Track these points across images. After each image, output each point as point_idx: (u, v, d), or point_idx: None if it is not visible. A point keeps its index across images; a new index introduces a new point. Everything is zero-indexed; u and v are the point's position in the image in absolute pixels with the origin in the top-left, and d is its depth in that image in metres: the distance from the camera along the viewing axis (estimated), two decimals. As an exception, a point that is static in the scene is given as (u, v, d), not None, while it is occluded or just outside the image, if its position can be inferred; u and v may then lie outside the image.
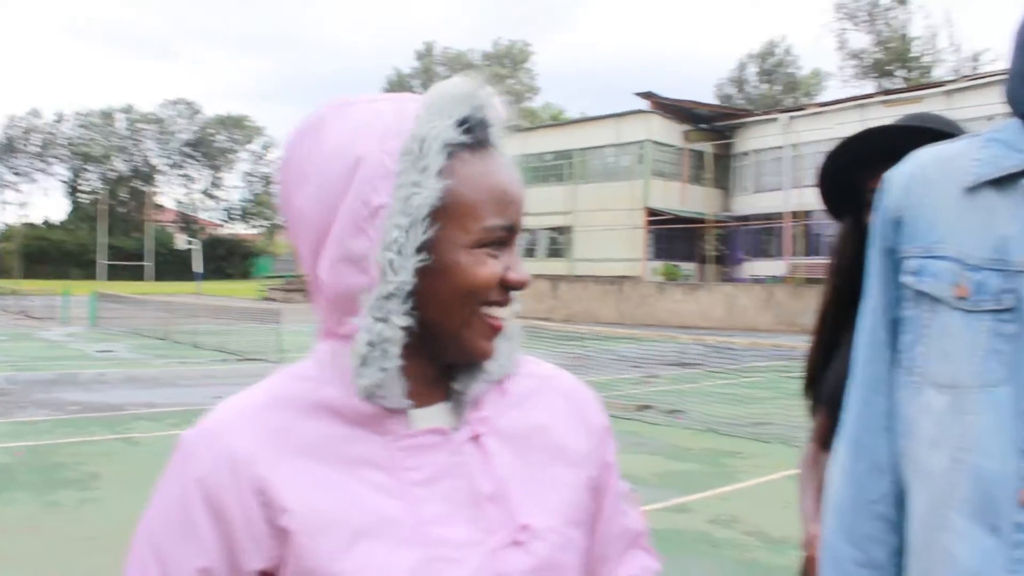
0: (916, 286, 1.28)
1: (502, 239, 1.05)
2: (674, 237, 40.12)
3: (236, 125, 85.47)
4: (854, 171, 2.00)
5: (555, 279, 38.38)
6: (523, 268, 1.07)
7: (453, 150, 1.01)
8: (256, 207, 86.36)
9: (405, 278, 0.98)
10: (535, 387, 1.20)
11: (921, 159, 1.33)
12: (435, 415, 1.08)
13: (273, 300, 49.33)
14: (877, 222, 1.35)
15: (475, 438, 1.09)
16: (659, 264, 38.83)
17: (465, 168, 1.02)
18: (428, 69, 68.60)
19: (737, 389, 14.67)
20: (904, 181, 1.33)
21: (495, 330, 1.06)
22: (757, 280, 36.68)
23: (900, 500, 1.32)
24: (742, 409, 12.28)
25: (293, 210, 1.04)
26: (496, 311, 1.05)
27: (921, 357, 1.28)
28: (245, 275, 73.94)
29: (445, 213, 1.00)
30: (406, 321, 1.00)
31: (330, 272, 1.01)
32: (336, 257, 1.00)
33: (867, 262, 1.39)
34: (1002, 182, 1.23)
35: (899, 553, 1.32)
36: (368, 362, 0.99)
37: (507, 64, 68.18)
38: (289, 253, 79.99)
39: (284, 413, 1.03)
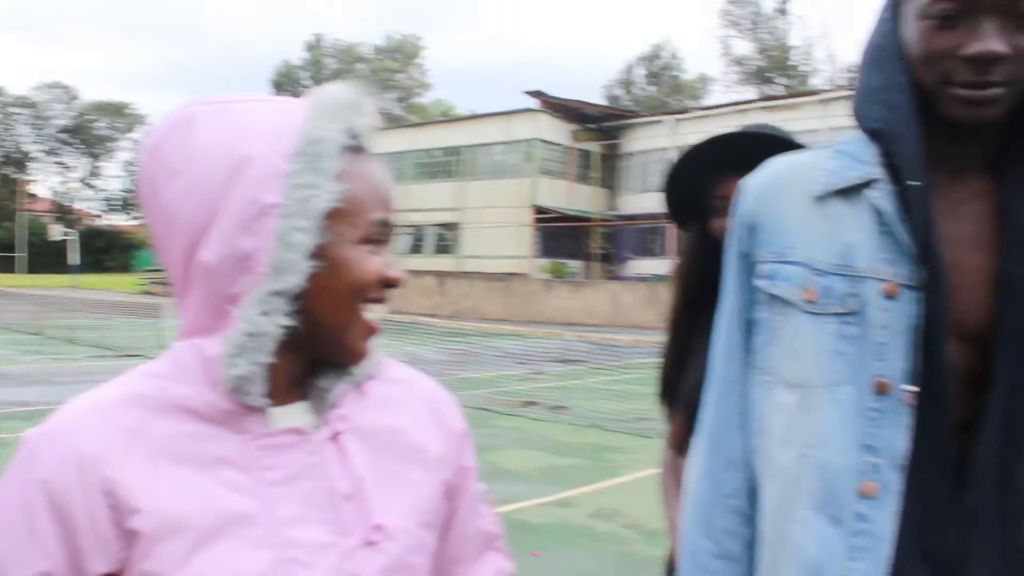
0: (769, 289, 1.36)
1: (382, 236, 1.08)
2: (561, 235, 40.45)
3: (117, 112, 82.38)
4: (698, 179, 2.04)
5: (442, 275, 38.28)
6: (399, 265, 1.10)
7: (343, 153, 1.04)
8: (137, 198, 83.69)
9: (298, 279, 1.00)
10: (394, 391, 1.22)
11: (775, 168, 1.41)
12: (294, 414, 1.09)
13: (153, 294, 47.80)
14: (733, 227, 1.43)
15: (334, 437, 1.10)
16: (546, 262, 39.09)
17: (353, 169, 1.05)
18: (317, 61, 67.56)
19: (620, 385, 14.91)
20: (758, 189, 1.41)
21: (372, 331, 1.09)
22: (641, 278, 37.26)
23: (753, 494, 1.40)
24: (625, 405, 12.49)
25: (159, 205, 1.04)
26: (371, 310, 1.08)
27: (773, 357, 1.36)
28: (125, 268, 71.53)
29: (339, 214, 1.03)
30: (288, 320, 1.01)
31: (212, 269, 1.00)
32: (220, 255, 1.00)
33: (723, 266, 1.46)
34: (848, 192, 1.32)
35: (752, 545, 1.40)
36: (243, 353, 1.00)
37: (398, 59, 67.65)
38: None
39: (137, 411, 1.02)
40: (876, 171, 1.31)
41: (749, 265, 1.41)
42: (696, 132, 37.69)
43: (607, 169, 42.15)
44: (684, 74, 67.41)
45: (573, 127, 41.36)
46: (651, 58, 66.95)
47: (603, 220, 40.37)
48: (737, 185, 1.48)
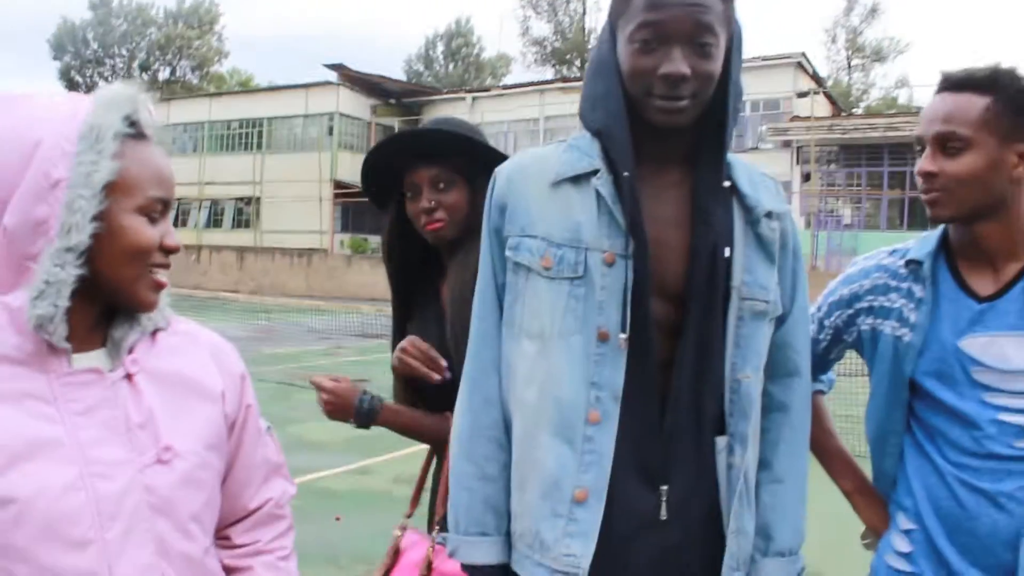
0: (514, 258, 1.68)
1: (159, 210, 1.32)
2: (361, 210, 40.10)
3: None
4: (393, 166, 2.26)
5: (242, 251, 37.41)
6: (175, 236, 1.34)
7: (122, 138, 1.29)
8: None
9: (83, 237, 1.24)
10: (180, 340, 1.46)
11: (520, 158, 1.75)
12: (93, 358, 1.31)
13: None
14: (487, 207, 1.74)
15: (128, 377, 1.33)
16: (347, 237, 38.84)
17: (130, 152, 1.30)
18: (104, 21, 63.69)
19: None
20: (507, 176, 1.73)
21: (159, 286, 1.34)
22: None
23: (507, 426, 1.70)
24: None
25: None
26: (159, 272, 1.33)
27: (518, 314, 1.68)
28: None
29: (116, 187, 1.27)
30: (79, 271, 1.25)
31: (12, 233, 1.23)
32: (18, 221, 1.23)
33: (482, 239, 1.77)
34: (577, 179, 1.66)
35: (507, 467, 1.70)
36: (42, 297, 1.23)
37: (194, 24, 64.76)
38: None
39: None
40: (598, 163, 1.64)
41: (500, 239, 1.71)
42: (495, 110, 38.44)
43: (409, 145, 42.07)
44: (484, 52, 67.95)
45: (374, 102, 41.05)
46: (451, 36, 67.09)
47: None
48: (421, 174, 1.84)
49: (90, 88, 64.30)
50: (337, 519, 6.04)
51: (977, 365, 1.78)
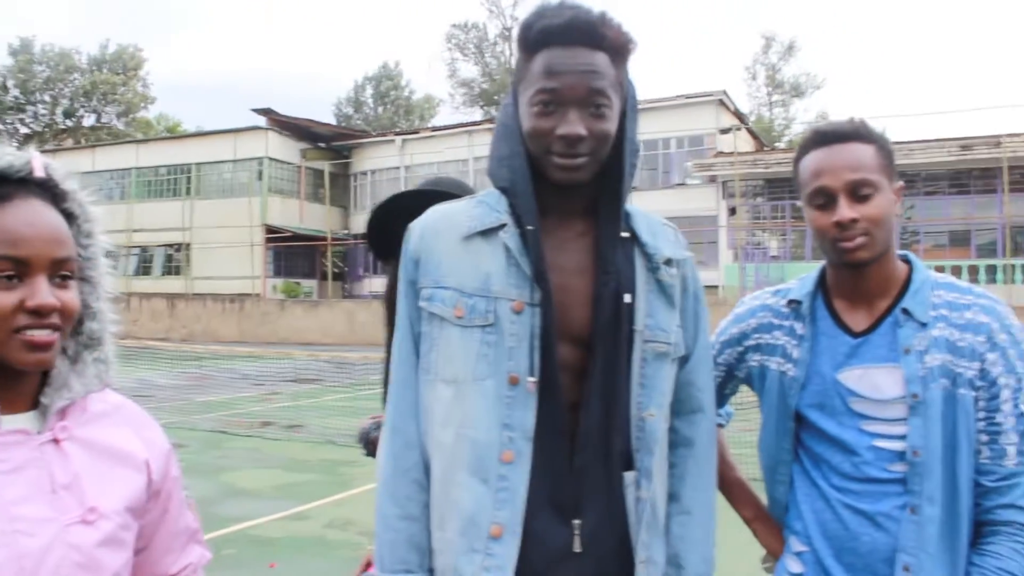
0: (428, 309, 1.77)
1: (13, 272, 1.29)
2: (294, 254, 39.94)
3: None
4: (393, 223, 2.34)
5: (172, 297, 36.85)
6: (42, 295, 1.30)
7: None
8: None
9: None
10: (110, 410, 1.49)
11: (433, 214, 1.84)
12: (22, 420, 1.34)
13: None
14: (403, 261, 1.83)
15: (56, 441, 1.36)
16: (280, 281, 38.52)
17: None
18: (25, 68, 62.57)
19: (353, 402, 15.11)
20: (420, 231, 1.82)
21: (36, 345, 1.31)
22: (376, 296, 37.39)
23: (427, 467, 1.77)
24: (358, 420, 12.55)
25: None
26: (35, 332, 1.30)
27: (434, 361, 1.76)
28: None
29: None
30: None
31: None
32: None
33: (398, 292, 1.85)
34: (486, 233, 1.75)
35: (428, 507, 1.77)
36: None
37: (119, 70, 63.91)
38: None
39: None
40: (506, 218, 1.75)
41: (415, 291, 1.80)
42: (424, 152, 38.61)
43: (338, 188, 42.09)
44: (413, 95, 68.22)
45: (303, 146, 40.99)
46: (380, 79, 67.25)
47: (335, 239, 40.23)
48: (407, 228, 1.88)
49: (12, 135, 63.09)
50: (271, 566, 5.99)
51: (854, 396, 1.92)
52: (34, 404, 1.38)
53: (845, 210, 1.88)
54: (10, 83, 62.45)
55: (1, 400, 1.32)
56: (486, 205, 1.80)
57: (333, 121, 56.72)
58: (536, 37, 1.71)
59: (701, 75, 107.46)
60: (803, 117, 59.13)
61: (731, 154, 31.43)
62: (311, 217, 40.53)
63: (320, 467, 9.66)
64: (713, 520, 1.86)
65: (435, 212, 1.84)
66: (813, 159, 1.95)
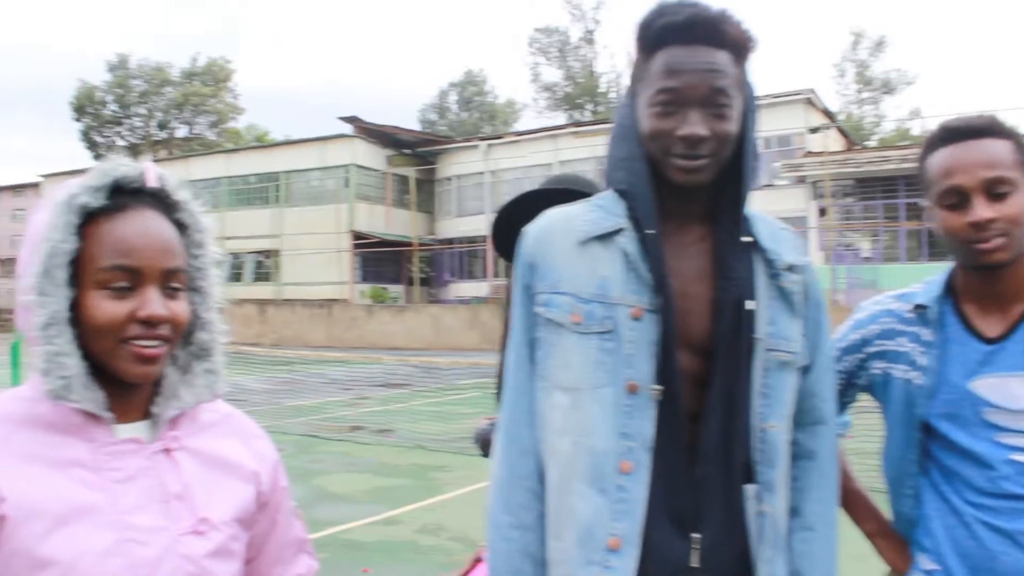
0: (545, 314, 1.73)
1: (124, 281, 1.32)
2: (381, 260, 40.39)
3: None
4: (518, 222, 2.41)
5: (263, 303, 37.60)
6: (153, 305, 1.32)
7: (87, 214, 1.33)
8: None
9: (55, 311, 1.29)
10: (220, 420, 1.52)
11: (548, 218, 1.81)
12: (135, 429, 1.37)
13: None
14: (517, 265, 1.80)
15: (167, 451, 1.38)
16: (367, 287, 39.00)
17: (98, 226, 1.33)
18: (123, 83, 64.66)
19: (442, 406, 15.22)
20: (536, 235, 1.80)
21: (144, 358, 1.33)
22: (462, 301, 37.67)
23: (541, 476, 1.74)
24: (447, 425, 12.76)
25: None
26: (143, 344, 1.32)
27: (550, 368, 1.73)
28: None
29: (80, 263, 1.31)
30: (68, 344, 1.30)
31: (21, 314, 1.32)
32: (22, 303, 1.32)
33: (512, 296, 1.82)
34: (603, 238, 1.72)
35: (543, 516, 1.74)
36: (48, 372, 1.29)
37: (209, 82, 65.63)
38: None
39: (5, 425, 1.31)
40: (623, 222, 1.71)
41: (530, 296, 1.77)
42: (509, 156, 38.72)
43: (424, 194, 42.42)
44: (496, 100, 68.53)
45: (389, 152, 41.45)
46: (464, 84, 67.74)
47: (422, 244, 40.59)
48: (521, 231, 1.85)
49: (110, 147, 65.21)
50: (365, 572, 6.04)
51: (988, 406, 1.82)
52: (145, 414, 1.41)
53: (982, 210, 1.79)
54: (109, 98, 64.62)
55: (115, 409, 1.34)
56: (603, 209, 1.76)
57: (418, 127, 57.30)
58: (655, 36, 1.67)
59: (788, 74, 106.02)
60: (895, 114, 57.89)
61: (820, 154, 30.88)
62: (397, 223, 40.95)
63: (410, 471, 9.72)
64: (835, 536, 1.79)
65: (550, 216, 1.81)
66: (943, 156, 1.86)
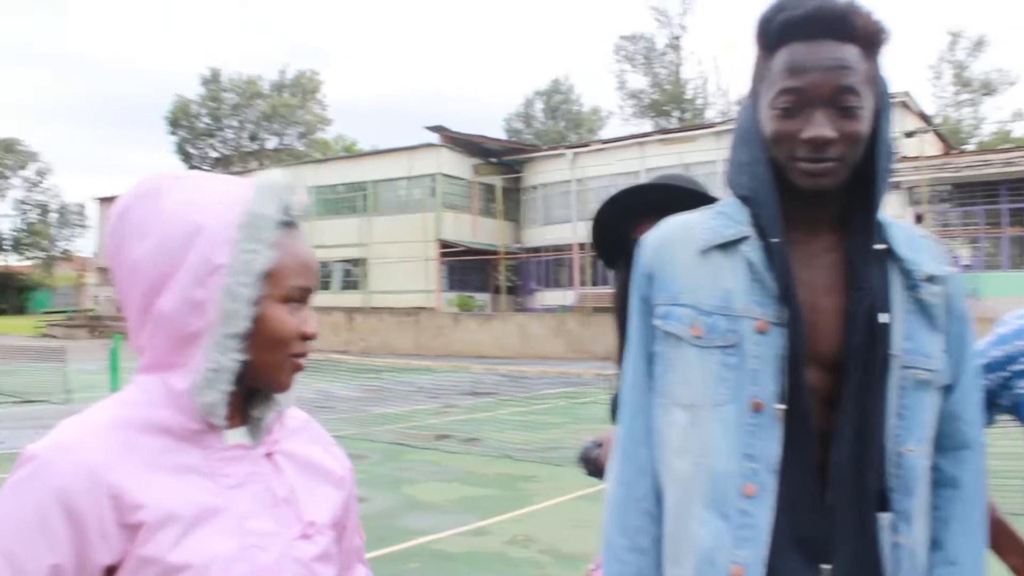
0: (664, 327, 1.64)
1: (301, 298, 1.34)
2: (467, 268, 40.62)
3: (7, 149, 79.14)
4: (620, 223, 2.32)
5: (350, 311, 38.09)
6: (314, 322, 1.36)
7: (278, 227, 1.31)
8: (31, 237, 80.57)
9: (245, 324, 1.27)
10: (302, 426, 1.52)
11: (667, 226, 1.71)
12: (239, 435, 1.36)
13: (53, 337, 46.42)
14: (635, 276, 1.71)
15: (269, 455, 1.38)
16: (453, 295, 39.23)
17: (283, 240, 1.32)
18: (216, 96, 66.59)
19: (529, 416, 15.18)
20: (654, 244, 1.70)
21: (298, 369, 1.37)
22: (548, 309, 37.64)
23: (659, 497, 1.65)
24: (534, 435, 12.72)
25: (126, 260, 1.30)
26: (302, 359, 1.36)
27: (669, 383, 1.63)
28: (20, 310, 69.21)
29: (269, 275, 1.30)
30: (241, 356, 1.28)
31: (169, 314, 1.26)
32: (177, 303, 1.25)
33: (630, 309, 1.73)
34: (726, 247, 1.61)
35: (659, 540, 1.65)
36: (210, 385, 1.26)
37: (297, 94, 67.09)
38: (69, 287, 75.22)
39: (127, 431, 1.26)
40: (747, 229, 1.60)
41: (648, 307, 1.68)
42: (595, 164, 38.64)
43: (510, 202, 42.55)
44: (582, 108, 68.49)
45: (475, 161, 41.68)
46: (549, 92, 67.87)
47: (508, 253, 40.69)
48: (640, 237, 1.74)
49: (203, 159, 67.15)
50: (456, 584, 5.96)
51: None
52: (243, 419, 1.39)
53: None
54: (202, 111, 66.53)
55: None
56: (725, 216, 1.65)
57: (503, 136, 57.53)
58: (777, 32, 1.56)
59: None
60: (995, 116, 56.16)
61: (916, 158, 30.05)
62: (483, 231, 41.14)
63: (498, 481, 9.66)
64: (982, 572, 1.64)
65: (670, 224, 1.72)
66: None
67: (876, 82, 1.57)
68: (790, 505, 1.52)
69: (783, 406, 1.52)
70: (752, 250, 1.58)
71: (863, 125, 1.54)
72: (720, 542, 1.54)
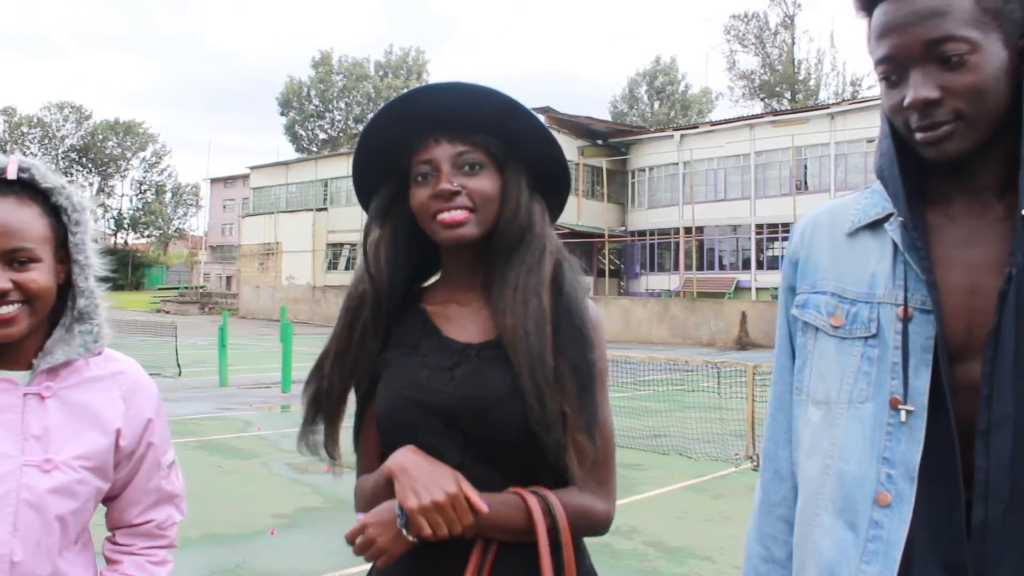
0: (801, 317, 1.48)
1: None
2: (572, 251, 39.31)
3: (127, 131, 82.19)
4: (395, 147, 1.68)
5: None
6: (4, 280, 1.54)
7: None
8: (147, 216, 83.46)
9: None
10: (106, 376, 1.72)
11: (820, 209, 1.56)
12: (12, 375, 1.61)
13: (166, 312, 48.05)
14: (783, 264, 1.55)
15: (39, 396, 1.61)
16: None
17: None
18: (325, 79, 67.71)
19: (635, 402, 14.94)
20: (802, 228, 1.56)
21: (2, 323, 1.54)
22: (653, 294, 37.31)
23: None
24: (640, 421, 12.51)
25: None
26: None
27: (806, 378, 1.48)
28: (136, 286, 71.93)
29: None
30: None
31: None
32: None
33: (778, 296, 1.59)
34: (873, 226, 1.43)
35: None
36: None
37: (401, 75, 67.69)
38: (182, 264, 77.79)
39: None
40: (892, 207, 1.42)
41: (793, 297, 1.54)
42: (703, 147, 38.03)
43: (616, 185, 42.23)
44: (689, 89, 67.51)
45: (581, 143, 41.46)
46: (655, 74, 67.05)
47: (613, 236, 40.40)
48: (441, 149, 1.59)
49: (312, 140, 68.49)
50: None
51: None
52: (26, 363, 1.63)
53: None
54: (312, 92, 67.80)
55: (2, 356, 1.60)
56: (876, 193, 1.48)
57: (609, 118, 57.11)
58: None
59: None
60: None
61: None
62: (589, 214, 40.90)
63: (602, 468, 9.44)
64: None
65: (823, 206, 1.57)
66: None
67: (995, 16, 1.33)
68: (930, 518, 1.33)
69: (926, 404, 1.33)
70: (894, 228, 1.41)
71: (976, 73, 1.32)
72: (845, 555, 1.37)
